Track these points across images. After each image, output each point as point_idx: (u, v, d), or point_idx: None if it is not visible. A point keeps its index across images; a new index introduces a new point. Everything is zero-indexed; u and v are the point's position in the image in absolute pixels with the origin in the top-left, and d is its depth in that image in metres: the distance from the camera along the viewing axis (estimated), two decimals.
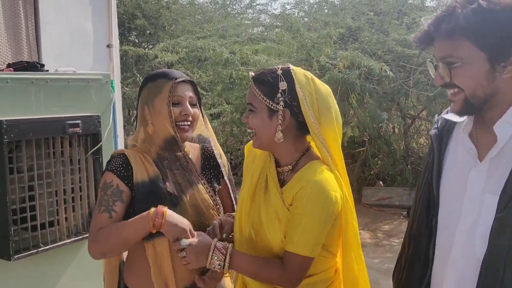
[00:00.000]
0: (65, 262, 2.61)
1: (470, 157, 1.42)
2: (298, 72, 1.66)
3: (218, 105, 8.46)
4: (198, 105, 1.91)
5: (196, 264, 1.66)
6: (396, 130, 8.62)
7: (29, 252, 2.38)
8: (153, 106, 1.83)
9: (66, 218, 2.53)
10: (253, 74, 1.70)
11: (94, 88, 2.67)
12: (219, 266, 1.64)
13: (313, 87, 1.64)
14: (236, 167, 8.84)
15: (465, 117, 1.46)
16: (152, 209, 1.69)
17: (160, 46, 7.97)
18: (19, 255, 2.34)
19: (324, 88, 1.68)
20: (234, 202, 2.02)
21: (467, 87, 1.32)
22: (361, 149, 8.03)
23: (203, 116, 1.97)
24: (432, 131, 1.58)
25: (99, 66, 3.31)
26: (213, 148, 2.00)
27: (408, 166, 7.82)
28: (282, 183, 1.68)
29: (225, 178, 2.01)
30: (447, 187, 1.48)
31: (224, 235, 1.77)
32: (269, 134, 1.64)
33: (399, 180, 7.91)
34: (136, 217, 1.72)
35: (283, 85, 1.62)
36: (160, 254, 1.78)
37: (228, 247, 1.66)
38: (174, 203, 1.81)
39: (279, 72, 1.65)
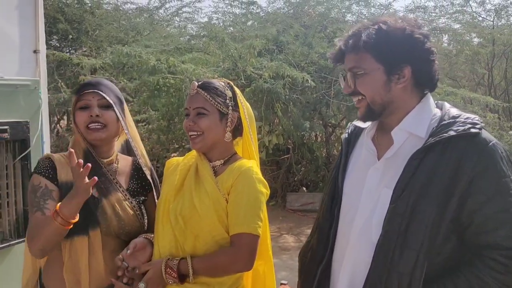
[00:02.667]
0: None
1: (371, 156, 1.68)
2: (235, 87, 1.96)
3: (144, 112, 8.41)
4: (115, 108, 1.95)
5: None
6: (319, 138, 8.99)
7: None
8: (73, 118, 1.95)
9: None
10: (196, 83, 1.89)
11: (23, 93, 2.65)
12: (176, 281, 1.76)
13: (244, 100, 1.96)
14: (162, 175, 8.78)
15: (369, 123, 1.73)
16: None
17: (81, 51, 7.81)
18: None
19: (248, 103, 1.99)
20: None
21: (368, 94, 1.58)
22: (285, 156, 8.30)
23: (124, 121, 1.99)
24: (343, 136, 1.86)
25: (26, 72, 3.23)
26: (139, 160, 2.07)
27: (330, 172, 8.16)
28: (214, 174, 1.87)
29: (153, 190, 2.08)
30: (350, 182, 1.73)
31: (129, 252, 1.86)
32: (218, 135, 1.86)
33: (321, 185, 8.26)
34: (47, 218, 1.76)
35: (229, 93, 1.90)
36: (79, 251, 1.83)
37: (176, 262, 1.76)
38: (95, 204, 1.88)
39: (222, 83, 1.92)
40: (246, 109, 1.93)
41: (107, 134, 1.94)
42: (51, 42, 10.29)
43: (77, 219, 1.74)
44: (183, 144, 8.66)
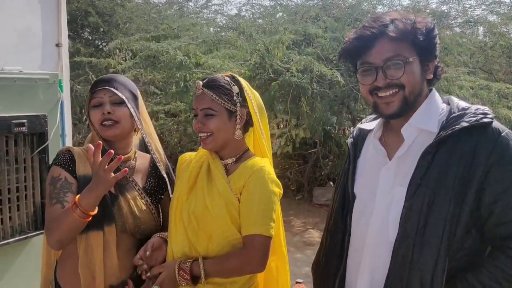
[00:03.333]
0: (8, 261, 2.60)
1: (381, 157, 1.64)
2: (241, 79, 1.89)
3: (171, 104, 8.46)
4: (127, 104, 1.93)
5: None
6: (347, 132, 8.87)
7: None
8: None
9: (10, 217, 2.52)
10: (201, 82, 1.83)
11: (42, 87, 2.68)
12: (189, 283, 1.74)
13: (252, 92, 1.89)
14: None
15: (375, 124, 1.69)
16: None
17: (113, 43, 7.90)
18: None
19: (256, 93, 1.93)
20: None
21: (410, 85, 1.53)
22: (312, 150, 8.23)
23: (137, 117, 1.97)
24: (349, 140, 1.80)
25: (48, 65, 3.27)
26: (155, 159, 2.05)
27: None
28: (226, 172, 1.83)
29: (169, 188, 2.05)
30: (361, 185, 1.67)
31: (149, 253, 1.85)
32: (228, 134, 1.81)
33: None
34: (65, 210, 1.76)
35: (235, 89, 1.83)
36: (93, 247, 1.83)
37: (188, 265, 1.74)
38: (112, 201, 1.88)
39: (227, 78, 1.85)
40: (254, 101, 1.87)
41: (121, 131, 1.93)
42: (82, 35, 10.47)
43: (96, 211, 1.74)
44: None
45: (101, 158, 1.68)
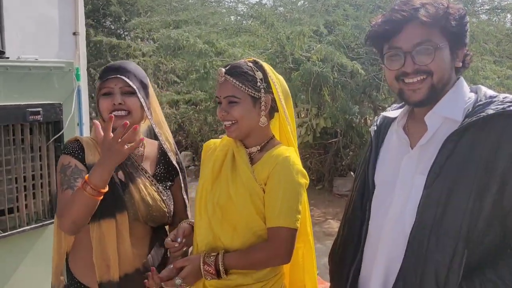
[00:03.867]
0: (25, 249, 2.62)
1: (404, 146, 1.57)
2: (265, 64, 1.84)
3: (191, 93, 8.47)
4: (138, 94, 1.89)
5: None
6: (369, 122, 8.75)
7: None
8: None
9: (26, 205, 2.54)
10: (223, 69, 1.77)
11: (57, 76, 2.68)
12: (214, 277, 1.72)
13: (276, 76, 1.83)
14: None
15: (400, 112, 1.62)
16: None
17: (134, 32, 7.92)
18: None
19: (281, 77, 1.87)
20: (185, 197, 2.06)
21: (440, 71, 1.46)
22: (333, 140, 8.14)
23: (147, 107, 1.95)
24: (372, 128, 1.73)
25: (65, 54, 3.29)
26: (164, 146, 2.03)
27: None
28: (251, 161, 1.79)
29: (179, 175, 2.03)
30: (382, 174, 1.61)
31: (184, 240, 1.83)
32: (253, 121, 1.76)
33: None
34: (76, 190, 1.72)
35: (259, 75, 1.77)
36: (106, 235, 1.81)
37: (213, 259, 1.71)
38: (123, 189, 1.86)
39: (250, 64, 1.79)
40: (279, 86, 1.81)
41: (132, 121, 1.86)
42: (104, 24, 10.54)
43: (107, 188, 1.70)
44: None
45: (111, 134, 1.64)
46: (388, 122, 1.69)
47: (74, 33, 3.40)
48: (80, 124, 3.23)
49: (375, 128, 1.72)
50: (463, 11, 1.48)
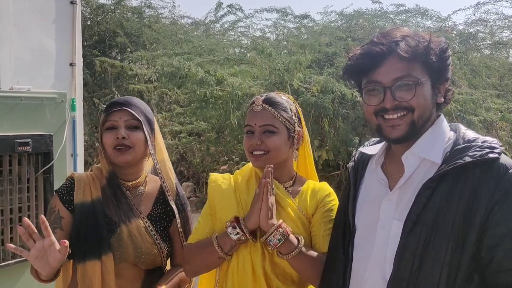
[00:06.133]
0: (10, 283, 2.56)
1: (382, 187, 1.50)
2: (291, 97, 1.86)
3: (195, 123, 8.48)
4: (144, 128, 1.86)
5: None
6: None
7: None
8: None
9: (11, 238, 2.49)
10: (261, 98, 1.77)
11: (48, 106, 2.66)
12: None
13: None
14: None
15: (378, 150, 1.56)
16: None
17: (134, 56, 8.01)
18: None
19: None
20: (183, 240, 1.95)
21: (420, 106, 1.40)
22: (335, 172, 8.07)
23: (152, 142, 1.90)
24: (350, 164, 1.66)
25: (61, 85, 3.29)
26: (164, 185, 1.96)
27: None
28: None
29: (176, 217, 1.95)
30: (362, 216, 1.54)
31: None
32: (284, 154, 1.75)
33: None
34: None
35: (293, 108, 1.79)
36: (92, 276, 1.76)
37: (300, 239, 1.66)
38: (112, 229, 1.81)
39: (285, 97, 1.80)
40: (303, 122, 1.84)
41: (134, 156, 1.85)
42: (110, 54, 10.66)
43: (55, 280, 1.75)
44: (233, 157, 8.65)
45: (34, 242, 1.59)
46: (366, 158, 1.62)
47: (71, 64, 3.41)
48: (74, 155, 3.20)
49: (353, 164, 1.65)
50: (444, 44, 1.42)
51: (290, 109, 1.76)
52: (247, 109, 1.87)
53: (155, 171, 2.02)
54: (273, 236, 1.60)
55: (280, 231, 1.61)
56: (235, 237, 1.64)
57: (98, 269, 1.76)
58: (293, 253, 1.61)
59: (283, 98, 1.78)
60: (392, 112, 1.40)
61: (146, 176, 1.96)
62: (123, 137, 1.81)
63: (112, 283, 1.78)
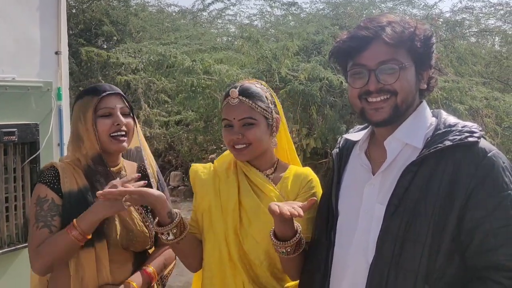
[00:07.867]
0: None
1: (365, 172, 1.52)
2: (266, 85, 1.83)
3: (183, 113, 8.45)
4: (131, 115, 1.89)
5: None
6: None
7: None
8: (85, 123, 1.82)
9: None
10: (236, 90, 1.71)
11: (34, 95, 2.64)
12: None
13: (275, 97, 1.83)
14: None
15: (361, 136, 1.58)
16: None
17: (121, 48, 7.93)
18: None
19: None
20: None
21: (404, 91, 1.42)
22: (323, 160, 8.10)
23: (136, 127, 1.94)
24: (334, 150, 1.68)
25: (46, 73, 3.24)
26: (147, 167, 1.98)
27: None
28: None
29: None
30: (345, 201, 1.56)
31: None
32: (266, 143, 1.74)
33: None
34: (60, 232, 1.70)
35: (269, 96, 1.76)
36: (85, 265, 1.75)
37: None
38: None
39: (259, 85, 1.77)
40: (279, 106, 1.81)
41: (128, 143, 1.88)
42: (96, 43, 10.55)
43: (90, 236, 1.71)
44: (221, 146, 8.64)
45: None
46: (350, 145, 1.64)
47: (56, 53, 3.36)
48: (61, 144, 3.17)
49: (337, 150, 1.67)
50: (429, 32, 1.45)
51: (266, 97, 1.73)
52: (221, 102, 1.85)
53: (125, 156, 2.04)
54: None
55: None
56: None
57: (92, 257, 1.76)
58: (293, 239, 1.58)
59: (258, 87, 1.75)
60: (375, 95, 1.42)
61: (122, 161, 1.97)
62: (119, 124, 1.82)
63: (106, 269, 1.78)
